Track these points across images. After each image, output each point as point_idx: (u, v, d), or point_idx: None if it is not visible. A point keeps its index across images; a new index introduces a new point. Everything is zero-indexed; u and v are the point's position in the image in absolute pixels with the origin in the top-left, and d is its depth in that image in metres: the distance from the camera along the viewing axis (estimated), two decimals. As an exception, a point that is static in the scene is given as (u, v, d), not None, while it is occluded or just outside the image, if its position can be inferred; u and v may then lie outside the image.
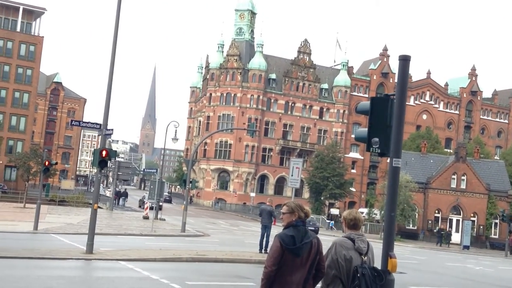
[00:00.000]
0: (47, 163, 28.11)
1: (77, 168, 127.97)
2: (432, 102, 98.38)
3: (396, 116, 6.98)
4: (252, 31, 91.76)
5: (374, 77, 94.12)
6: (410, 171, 54.27)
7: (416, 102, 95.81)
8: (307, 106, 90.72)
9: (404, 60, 7.23)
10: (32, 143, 79.58)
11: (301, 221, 5.51)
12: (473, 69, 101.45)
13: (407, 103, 7.40)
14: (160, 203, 50.76)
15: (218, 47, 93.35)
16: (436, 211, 57.75)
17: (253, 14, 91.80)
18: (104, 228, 29.03)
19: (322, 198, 71.55)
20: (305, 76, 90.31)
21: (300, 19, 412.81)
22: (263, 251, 21.01)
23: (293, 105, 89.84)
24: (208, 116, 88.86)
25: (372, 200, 65.67)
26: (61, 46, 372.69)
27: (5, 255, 15.62)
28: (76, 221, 33.98)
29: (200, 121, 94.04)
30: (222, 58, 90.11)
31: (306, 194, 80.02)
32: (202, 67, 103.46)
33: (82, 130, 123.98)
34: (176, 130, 43.60)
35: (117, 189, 66.94)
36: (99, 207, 21.43)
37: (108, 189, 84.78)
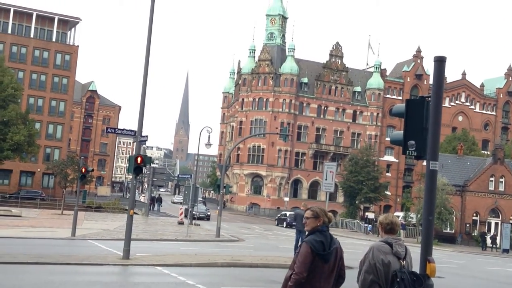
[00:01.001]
0: (83, 170, 28.56)
1: (113, 175, 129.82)
2: (467, 104, 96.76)
3: (432, 118, 6.87)
4: (284, 35, 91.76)
5: (408, 79, 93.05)
6: (446, 174, 53.41)
7: (452, 103, 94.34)
8: (340, 110, 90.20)
9: (440, 62, 7.12)
10: (69, 151, 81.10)
11: (326, 226, 5.50)
12: (510, 69, 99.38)
13: (442, 105, 7.28)
14: (208, 213, 55.69)
15: (250, 52, 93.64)
16: (474, 214, 56.65)
17: (284, 18, 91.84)
18: (140, 233, 29.34)
19: (356, 202, 70.99)
20: (338, 80, 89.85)
21: (332, 22, 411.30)
22: (298, 256, 20.88)
23: (325, 108, 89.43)
24: (241, 121, 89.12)
25: (408, 203, 64.79)
26: (95, 54, 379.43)
27: (44, 261, 15.91)
28: (112, 227, 34.43)
29: (232, 126, 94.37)
30: (254, 63, 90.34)
31: (340, 198, 79.51)
32: (234, 73, 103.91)
33: (117, 137, 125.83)
34: (209, 136, 43.89)
35: (152, 194, 67.78)
36: (135, 213, 21.65)
37: (143, 195, 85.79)
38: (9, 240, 23.08)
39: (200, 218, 50.21)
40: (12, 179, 72.49)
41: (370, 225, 58.04)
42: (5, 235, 24.99)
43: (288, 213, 57.19)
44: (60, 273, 14.38)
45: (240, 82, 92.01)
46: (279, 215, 61.73)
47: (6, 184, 71.80)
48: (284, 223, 55.89)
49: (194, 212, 44.46)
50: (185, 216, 45.15)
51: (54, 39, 77.48)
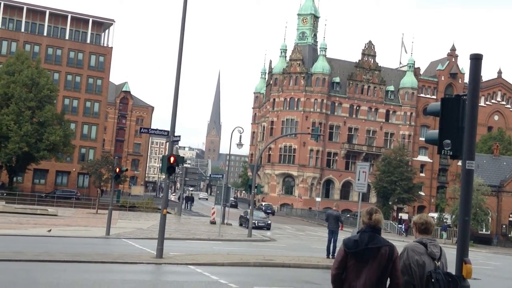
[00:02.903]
0: (117, 170, 28.92)
1: (146, 175, 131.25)
2: (504, 103, 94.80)
3: (468, 117, 6.75)
4: (315, 35, 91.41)
5: (442, 78, 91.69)
6: (482, 174, 52.45)
7: (487, 102, 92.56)
8: (373, 109, 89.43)
9: (476, 59, 7.00)
10: (103, 151, 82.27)
11: (370, 227, 5.43)
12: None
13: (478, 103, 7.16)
14: (268, 221, 45.77)
15: (281, 52, 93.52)
16: (510, 215, 55.49)
17: (315, 18, 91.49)
18: (173, 232, 29.58)
19: (389, 202, 70.27)
20: (370, 79, 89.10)
21: (364, 20, 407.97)
22: (330, 256, 20.80)
23: (358, 108, 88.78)
24: (272, 121, 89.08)
25: (443, 204, 63.80)
26: (129, 56, 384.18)
27: (80, 260, 16.18)
28: (146, 226, 34.81)
29: (264, 126, 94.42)
30: (285, 63, 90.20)
31: (373, 199, 78.83)
32: (265, 73, 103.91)
33: (150, 138, 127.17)
34: (240, 136, 43.91)
35: (185, 194, 68.29)
36: (168, 212, 21.84)
37: (173, 194, 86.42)
38: (46, 238, 23.53)
39: (258, 228, 41.96)
40: (48, 178, 73.92)
41: (404, 226, 57.35)
42: (42, 234, 25.50)
43: (248, 212, 45.39)
44: (95, 271, 14.60)
45: (271, 82, 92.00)
46: (241, 215, 47.82)
47: (42, 183, 73.26)
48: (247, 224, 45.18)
49: (252, 221, 41.65)
50: (240, 224, 42.70)
51: (88, 41, 78.73)
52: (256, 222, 42.05)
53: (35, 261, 15.32)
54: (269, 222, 45.38)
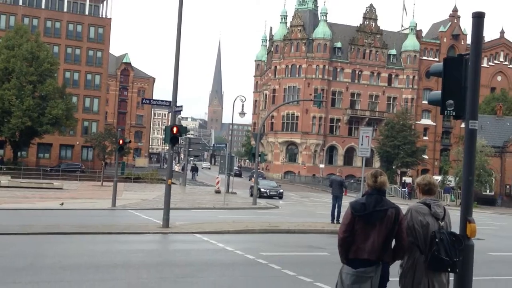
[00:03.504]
0: (121, 142, 29.00)
1: (150, 146, 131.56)
2: (506, 63, 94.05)
3: (471, 76, 6.69)
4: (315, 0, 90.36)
5: (444, 40, 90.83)
6: (485, 135, 52.39)
7: (490, 63, 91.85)
8: (375, 74, 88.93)
9: (478, 18, 6.90)
10: (106, 124, 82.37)
11: (375, 190, 5.44)
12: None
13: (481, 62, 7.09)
14: (280, 190, 43.63)
15: (281, 18, 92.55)
16: (514, 176, 55.61)
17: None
18: (178, 202, 29.78)
19: (393, 167, 70.42)
20: (372, 43, 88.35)
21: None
22: (335, 221, 20.95)
23: (360, 73, 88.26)
24: (274, 89, 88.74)
25: (446, 166, 63.91)
26: (128, 27, 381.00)
27: (87, 231, 16.34)
28: (151, 197, 35.04)
29: (266, 95, 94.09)
30: (286, 29, 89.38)
31: (376, 164, 79.00)
32: (266, 40, 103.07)
33: (153, 109, 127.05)
34: (242, 105, 43.93)
35: (190, 164, 68.73)
36: (172, 182, 21.95)
37: (177, 165, 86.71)
38: (53, 211, 23.73)
39: (270, 197, 41.10)
40: (52, 152, 74.21)
41: (407, 189, 57.60)
42: (48, 206, 25.70)
43: (260, 182, 42.48)
44: (102, 242, 14.74)
45: (272, 50, 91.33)
46: (251, 185, 42.86)
47: (47, 157, 73.59)
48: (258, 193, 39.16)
49: (262, 190, 40.78)
50: (251, 195, 39.00)
51: (87, 13, 78.11)
52: (267, 191, 41.84)
53: (43, 234, 15.46)
54: (281, 191, 43.98)
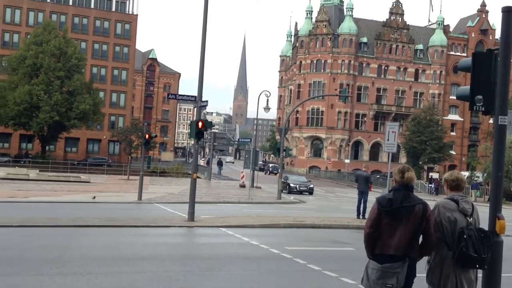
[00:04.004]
0: (147, 136, 29.25)
1: (175, 141, 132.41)
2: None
3: (501, 71, 6.60)
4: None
5: (472, 35, 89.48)
6: (514, 132, 51.41)
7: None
8: (401, 69, 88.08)
9: (508, 12, 6.79)
10: (132, 118, 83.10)
11: (403, 186, 5.40)
12: None
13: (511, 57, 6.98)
14: (311, 185, 42.15)
15: (307, 13, 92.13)
16: (544, 173, 54.47)
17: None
18: (204, 196, 29.95)
19: (420, 162, 69.71)
20: (398, 38, 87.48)
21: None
22: (361, 216, 20.85)
23: (386, 68, 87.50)
24: (299, 84, 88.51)
25: (474, 162, 63.01)
26: (154, 23, 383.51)
27: (114, 224, 16.54)
28: (177, 190, 35.29)
29: (291, 90, 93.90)
30: (311, 24, 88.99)
31: (403, 159, 78.31)
32: (291, 35, 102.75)
33: (178, 104, 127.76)
34: (267, 100, 43.89)
35: (219, 159, 69.44)
36: (198, 176, 22.08)
37: (202, 159, 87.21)
38: (80, 204, 24.08)
39: (300, 192, 40.26)
40: (79, 147, 75.21)
41: (434, 185, 56.95)
42: (76, 200, 26.08)
43: (289, 177, 44.07)
44: (129, 235, 14.91)
45: (297, 45, 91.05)
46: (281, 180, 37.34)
47: (74, 152, 74.61)
48: (288, 189, 40.63)
49: (292, 185, 40.62)
50: (281, 191, 36.68)
51: (113, 9, 78.80)
52: (297, 186, 41.01)
53: (70, 227, 15.71)
54: (312, 186, 42.31)
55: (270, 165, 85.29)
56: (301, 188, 41.03)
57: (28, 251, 11.57)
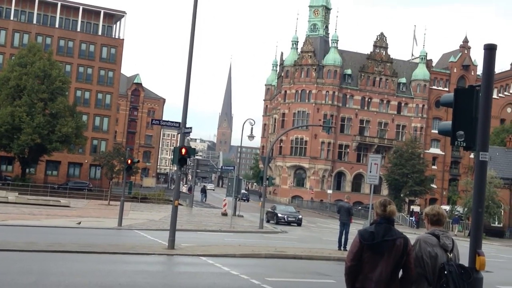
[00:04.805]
0: (129, 161, 29.05)
1: (158, 166, 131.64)
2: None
3: (482, 107, 6.70)
4: (327, 26, 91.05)
5: (455, 70, 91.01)
6: (494, 167, 52.02)
7: (500, 95, 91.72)
8: (384, 101, 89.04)
9: (490, 49, 6.93)
10: (115, 143, 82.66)
11: (384, 219, 5.40)
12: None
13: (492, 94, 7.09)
14: (300, 216, 41.10)
15: (292, 44, 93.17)
16: (523, 208, 55.01)
17: (327, 9, 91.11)
18: (185, 224, 29.68)
19: (401, 195, 70.00)
20: (382, 71, 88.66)
21: (376, 12, 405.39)
22: (342, 248, 20.79)
23: (369, 100, 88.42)
24: (283, 113, 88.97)
25: (455, 197, 63.36)
26: (140, 48, 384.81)
27: (92, 250, 16.28)
28: (157, 217, 34.95)
29: (275, 119, 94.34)
30: (297, 55, 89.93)
31: (385, 191, 78.59)
32: (277, 65, 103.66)
33: (162, 129, 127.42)
34: (252, 128, 43.90)
35: (203, 186, 69.10)
36: (179, 204, 21.92)
37: (185, 185, 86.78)
38: (59, 229, 23.71)
39: (288, 223, 39.18)
40: (60, 170, 74.43)
41: (414, 218, 57.12)
42: (54, 224, 25.69)
43: (277, 207, 43.61)
44: (107, 262, 14.69)
45: (282, 74, 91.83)
46: (268, 210, 41.21)
47: (54, 175, 73.80)
48: (275, 219, 40.24)
49: (280, 215, 39.79)
50: (268, 221, 38.51)
51: (100, 33, 78.95)
52: (285, 216, 39.84)
53: (48, 252, 15.44)
54: (300, 217, 40.97)
55: (242, 191, 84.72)
56: (289, 219, 39.80)
57: (4, 276, 11.33)
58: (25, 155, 58.86)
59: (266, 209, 40.66)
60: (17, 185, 56.21)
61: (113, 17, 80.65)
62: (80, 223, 26.34)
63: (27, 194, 49.81)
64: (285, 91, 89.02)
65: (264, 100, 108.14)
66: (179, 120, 19.55)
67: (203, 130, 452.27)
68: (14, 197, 42.44)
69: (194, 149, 22.53)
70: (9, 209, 34.19)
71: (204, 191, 70.41)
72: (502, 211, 53.40)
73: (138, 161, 37.50)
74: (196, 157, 61.29)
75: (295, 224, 39.66)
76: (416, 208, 64.05)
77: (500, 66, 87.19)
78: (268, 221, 39.45)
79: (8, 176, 64.25)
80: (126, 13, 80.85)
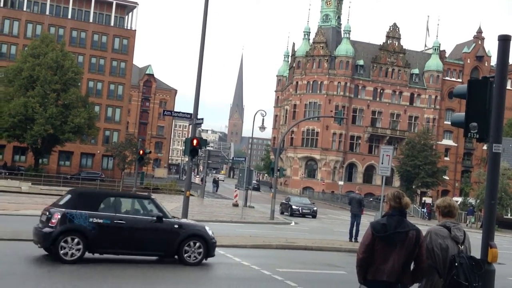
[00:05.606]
0: (141, 152, 29.24)
1: (169, 157, 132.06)
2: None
3: (496, 99, 6.64)
4: (339, 17, 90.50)
5: (468, 61, 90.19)
6: (507, 158, 51.68)
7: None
8: (397, 92, 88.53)
9: (504, 40, 6.86)
10: (127, 133, 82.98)
11: (397, 211, 5.39)
12: None
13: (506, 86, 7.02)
14: (314, 208, 40.17)
15: (304, 34, 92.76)
16: (537, 200, 54.59)
17: (339, 0, 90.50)
18: (196, 215, 29.72)
19: (413, 186, 69.72)
20: (394, 62, 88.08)
21: (389, 3, 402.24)
22: (353, 239, 20.78)
23: (381, 91, 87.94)
24: (295, 105, 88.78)
25: (467, 188, 62.99)
26: (152, 39, 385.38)
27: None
28: (169, 208, 34.80)
29: (286, 110, 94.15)
30: (308, 45, 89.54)
31: (396, 183, 78.35)
32: (289, 55, 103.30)
33: (174, 120, 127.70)
34: (263, 119, 44.01)
35: (215, 177, 69.69)
36: (191, 194, 21.99)
37: (197, 176, 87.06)
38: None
39: (302, 215, 38.35)
40: (73, 160, 74.89)
41: (426, 210, 56.94)
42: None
43: (291, 198, 42.72)
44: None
45: (294, 65, 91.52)
46: (282, 201, 41.61)
47: (67, 165, 74.27)
48: (289, 211, 39.38)
49: (294, 207, 39.12)
50: (282, 212, 38.33)
51: (112, 24, 79.09)
52: (300, 208, 39.12)
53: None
54: (315, 208, 39.90)
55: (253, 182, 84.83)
56: (304, 211, 39.00)
57: (17, 265, 11.44)
58: (38, 146, 59.27)
59: (280, 200, 40.51)
60: (30, 175, 56.67)
61: (125, 8, 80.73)
62: None
63: (40, 184, 50.24)
64: (297, 82, 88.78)
65: (275, 91, 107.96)
66: (191, 111, 19.59)
67: (215, 121, 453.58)
68: (27, 187, 42.88)
69: (206, 140, 22.58)
70: (22, 199, 34.50)
71: (215, 181, 70.76)
72: (515, 203, 53.02)
73: (150, 152, 37.70)
74: (208, 148, 61.37)
75: (310, 216, 38.95)
76: (428, 200, 63.91)
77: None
78: (282, 213, 39.10)
79: (21, 167, 64.76)
80: (138, 4, 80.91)
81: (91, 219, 11.85)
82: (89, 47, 76.98)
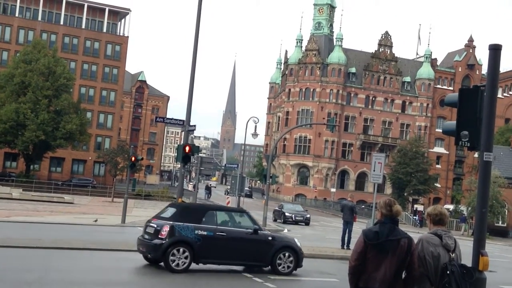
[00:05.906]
0: (133, 158, 29.10)
1: (162, 164, 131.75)
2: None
3: (487, 107, 6.68)
4: (331, 25, 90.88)
5: (459, 69, 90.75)
6: (499, 166, 51.88)
7: (505, 94, 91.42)
8: (389, 100, 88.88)
9: (495, 50, 6.92)
10: (119, 140, 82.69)
11: (389, 219, 5.40)
12: None
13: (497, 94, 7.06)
14: (307, 215, 40.22)
15: (297, 42, 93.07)
16: (527, 208, 54.85)
17: (332, 8, 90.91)
18: (188, 222, 29.64)
19: (405, 194, 69.91)
20: (386, 69, 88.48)
21: (381, 10, 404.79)
22: (345, 247, 20.78)
23: (373, 99, 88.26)
24: (287, 112, 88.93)
25: (459, 196, 63.19)
26: (145, 45, 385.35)
27: (96, 247, 16.33)
28: (161, 215, 34.88)
29: (279, 117, 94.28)
30: (301, 53, 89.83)
31: (388, 190, 78.55)
32: (281, 63, 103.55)
33: (166, 127, 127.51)
34: (256, 126, 43.95)
35: (207, 184, 69.66)
36: (183, 201, 21.95)
37: (190, 183, 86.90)
38: (62, 226, 23.75)
39: (295, 222, 38.28)
40: (64, 167, 74.57)
41: (418, 217, 57.07)
42: (58, 221, 25.74)
43: (284, 205, 42.77)
44: (111, 259, 14.73)
45: (287, 72, 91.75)
46: (275, 208, 41.97)
47: (58, 171, 73.93)
48: (282, 218, 39.38)
49: (287, 214, 39.11)
50: (274, 220, 38.89)
51: (104, 30, 79.00)
52: (293, 216, 39.12)
53: (52, 248, 15.48)
54: (308, 216, 39.99)
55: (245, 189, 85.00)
56: (297, 218, 39.02)
57: (8, 272, 11.37)
58: (29, 152, 58.97)
59: (273, 207, 40.57)
60: (21, 181, 56.34)
61: (118, 14, 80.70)
62: (96, 220, 26.58)
63: (31, 190, 49.93)
64: (289, 89, 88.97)
65: (268, 98, 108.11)
66: (183, 117, 19.60)
67: (207, 128, 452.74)
68: (18, 193, 42.58)
69: (198, 147, 22.58)
70: (13, 205, 34.29)
71: (208, 188, 70.76)
72: (506, 211, 53.26)
73: (142, 158, 37.60)
74: (200, 154, 61.24)
75: (303, 224, 38.97)
76: (419, 207, 63.99)
77: (505, 65, 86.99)
78: (275, 220, 39.15)
79: (12, 173, 64.39)
80: (130, 11, 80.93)
81: (196, 231, 12.73)
82: (81, 53, 76.81)
